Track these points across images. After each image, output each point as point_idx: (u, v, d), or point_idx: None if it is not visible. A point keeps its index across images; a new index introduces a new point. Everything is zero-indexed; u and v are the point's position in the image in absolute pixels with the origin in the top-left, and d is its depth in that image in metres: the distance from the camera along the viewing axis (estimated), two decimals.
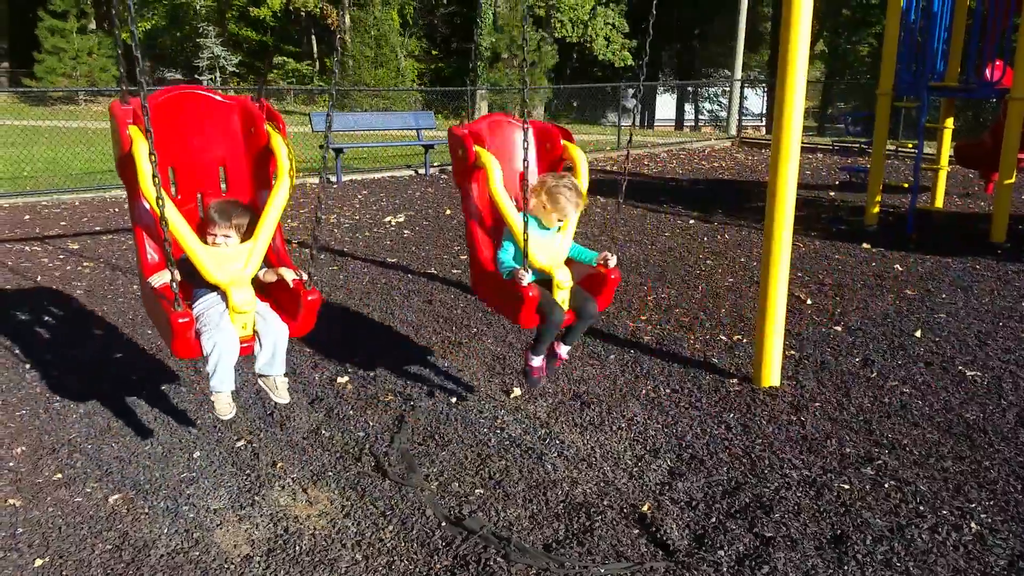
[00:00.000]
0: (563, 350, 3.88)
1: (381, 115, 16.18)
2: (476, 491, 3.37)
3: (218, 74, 34.65)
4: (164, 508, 3.27)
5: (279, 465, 3.61)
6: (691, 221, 9.51)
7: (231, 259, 3.09)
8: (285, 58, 36.71)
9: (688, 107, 44.60)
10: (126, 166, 3.04)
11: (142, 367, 4.82)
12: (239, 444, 3.80)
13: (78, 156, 14.70)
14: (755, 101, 38.96)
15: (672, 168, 15.23)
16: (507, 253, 3.64)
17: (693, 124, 42.32)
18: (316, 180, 12.92)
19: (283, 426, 4.00)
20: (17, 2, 33.82)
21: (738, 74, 25.92)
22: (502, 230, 3.68)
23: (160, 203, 2.79)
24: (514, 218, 3.47)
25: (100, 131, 18.11)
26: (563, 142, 3.85)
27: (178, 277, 2.90)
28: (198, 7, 35.85)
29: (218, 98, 3.46)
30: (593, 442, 3.81)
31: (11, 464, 3.64)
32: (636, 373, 4.66)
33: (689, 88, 42.21)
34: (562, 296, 3.54)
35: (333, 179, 12.97)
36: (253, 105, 3.43)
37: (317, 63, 38.69)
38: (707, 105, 45.29)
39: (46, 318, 5.78)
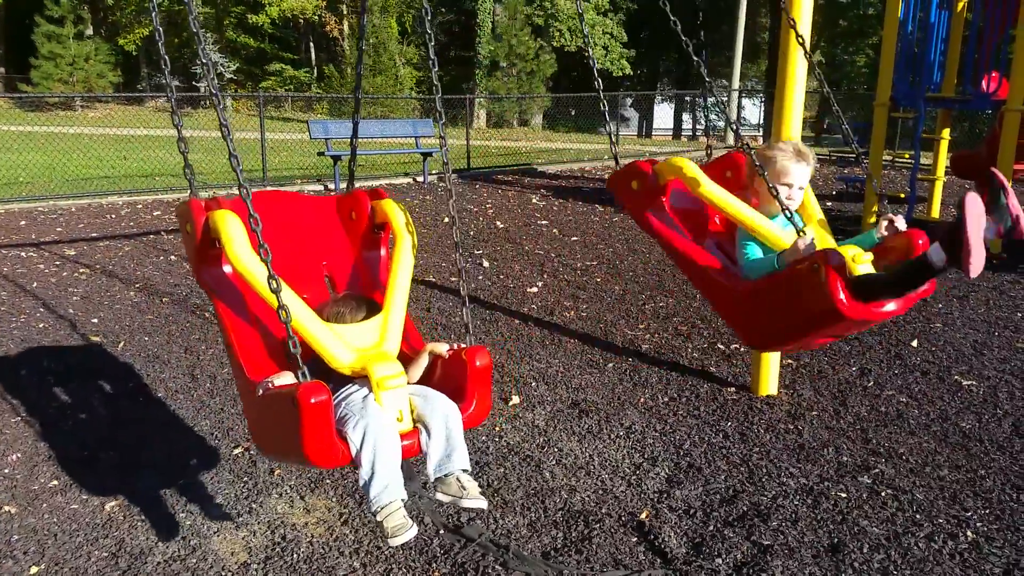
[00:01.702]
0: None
1: (379, 122, 16.20)
2: None
3: (216, 81, 34.71)
4: (161, 515, 3.26)
5: (277, 473, 3.60)
6: None
7: (360, 336, 2.39)
8: (283, 65, 36.76)
9: (686, 116, 44.75)
10: (208, 262, 2.48)
11: (138, 374, 4.81)
12: (236, 452, 3.80)
13: (74, 162, 14.70)
14: (752, 111, 39.13)
15: None
16: (754, 250, 2.79)
17: (691, 133, 42.47)
18: (315, 187, 12.94)
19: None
20: (14, 7, 33.83)
21: (736, 84, 26.02)
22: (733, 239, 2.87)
23: (279, 302, 2.12)
24: (753, 216, 2.71)
25: (96, 137, 18.14)
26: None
27: (307, 375, 2.17)
28: (196, 13, 35.92)
29: (309, 194, 2.95)
30: (591, 450, 3.81)
31: (7, 471, 3.63)
32: (634, 381, 4.67)
33: (687, 98, 42.38)
34: (865, 270, 2.51)
35: (332, 187, 12.99)
36: (352, 192, 2.93)
37: (315, 70, 38.76)
38: (708, 115, 45.44)
39: (42, 324, 5.77)
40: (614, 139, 3.30)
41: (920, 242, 2.56)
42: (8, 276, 7.08)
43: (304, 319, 2.26)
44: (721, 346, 5.25)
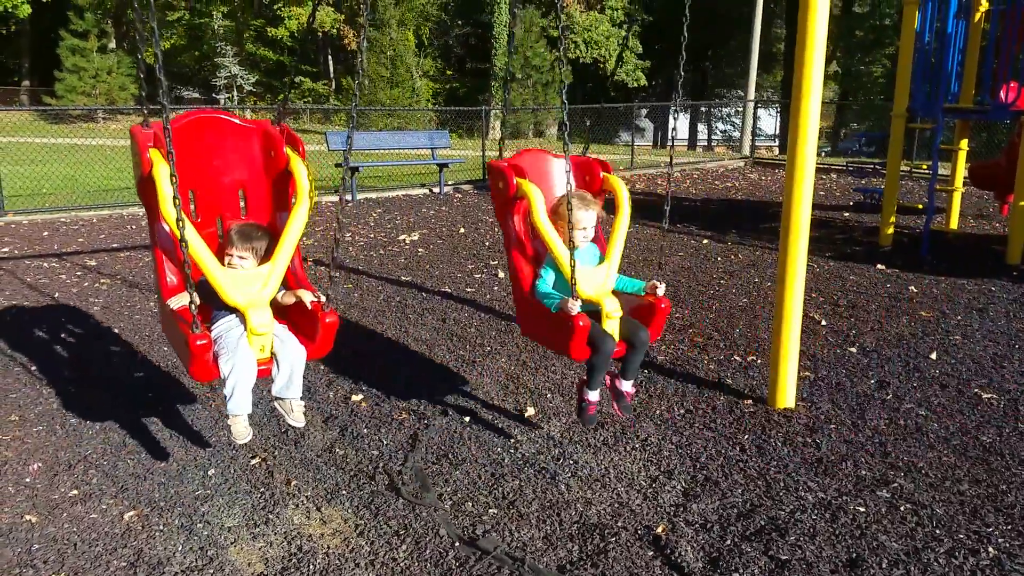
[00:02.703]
0: (626, 385, 3.76)
1: (396, 134, 16.30)
2: (490, 511, 3.37)
3: (235, 93, 35.06)
4: (179, 525, 3.28)
5: (293, 483, 3.62)
6: (705, 241, 9.51)
7: (250, 281, 3.10)
8: (302, 78, 37.10)
9: (701, 127, 44.69)
10: (146, 188, 3.07)
11: (158, 385, 4.86)
12: (254, 462, 3.82)
13: (96, 173, 14.88)
14: (768, 122, 38.99)
15: (686, 188, 15.25)
16: (545, 283, 3.57)
17: (707, 144, 42.40)
18: (333, 199, 13.02)
19: (297, 444, 4.02)
20: (39, 22, 34.41)
21: (752, 94, 25.96)
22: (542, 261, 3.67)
23: (180, 225, 2.80)
24: (559, 247, 3.42)
25: (118, 149, 18.34)
26: (603, 174, 3.79)
27: (197, 300, 2.89)
28: (216, 27, 36.36)
29: (238, 122, 3.48)
30: (607, 462, 3.80)
31: (27, 480, 3.67)
32: (650, 393, 4.66)
33: (703, 108, 42.33)
34: (612, 326, 3.47)
35: (348, 198, 13.07)
36: (273, 128, 3.45)
37: (333, 83, 39.08)
38: (720, 125, 45.37)
39: (63, 335, 5.84)
40: (501, 137, 4.05)
41: (663, 306, 3.57)
42: (31, 286, 7.17)
43: (207, 261, 2.99)
44: (737, 358, 5.23)
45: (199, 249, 2.97)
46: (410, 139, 15.62)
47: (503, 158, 3.83)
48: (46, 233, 10.01)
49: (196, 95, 36.72)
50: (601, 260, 3.62)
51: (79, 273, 7.79)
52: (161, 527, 3.27)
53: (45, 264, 8.16)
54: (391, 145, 15.24)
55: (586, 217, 3.57)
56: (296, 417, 3.29)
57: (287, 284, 3.35)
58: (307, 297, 3.24)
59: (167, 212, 2.91)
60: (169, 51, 36.87)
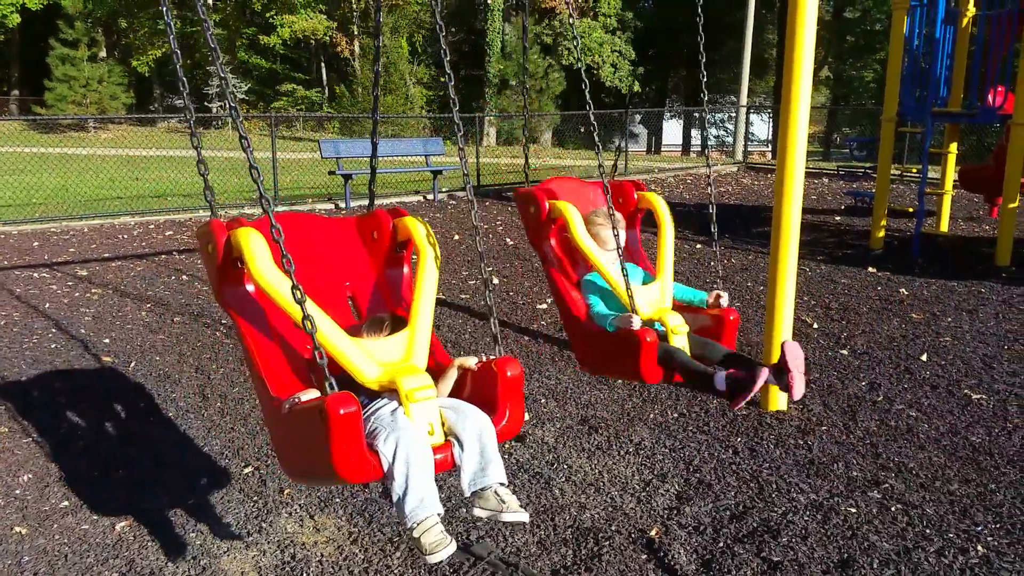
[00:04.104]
0: (718, 379, 3.00)
1: (390, 141, 16.31)
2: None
3: (227, 101, 35.06)
4: (171, 535, 3.28)
5: (286, 492, 3.62)
6: (698, 246, 9.54)
7: (386, 351, 2.38)
8: (294, 85, 37.11)
9: (694, 132, 44.83)
10: (230, 281, 2.47)
11: (149, 394, 4.85)
12: (247, 471, 3.82)
13: (87, 183, 14.86)
14: (760, 127, 39.13)
15: (679, 193, 15.29)
16: (599, 304, 3.28)
17: (700, 149, 42.50)
18: (326, 206, 13.03)
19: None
20: (29, 31, 34.36)
21: (744, 100, 26.06)
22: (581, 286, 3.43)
23: (306, 317, 2.09)
24: (605, 263, 3.20)
25: (109, 158, 18.33)
26: (637, 194, 3.59)
27: (334, 383, 2.13)
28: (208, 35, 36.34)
29: (329, 219, 2.95)
30: (601, 467, 3.81)
31: (18, 492, 3.66)
32: (643, 397, 4.67)
33: (695, 114, 42.48)
34: (680, 342, 3.13)
35: (342, 204, 13.07)
36: (373, 212, 2.93)
37: (326, 90, 39.10)
38: (713, 131, 45.53)
39: (54, 345, 5.83)
40: (527, 156, 3.77)
41: (731, 318, 3.24)
42: (21, 297, 7.15)
43: (330, 333, 2.24)
44: None
45: (323, 323, 2.22)
46: (404, 146, 15.65)
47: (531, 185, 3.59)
48: (36, 243, 9.98)
49: (195, 104, 36.69)
50: (647, 280, 3.39)
51: (70, 283, 7.77)
52: (153, 537, 3.26)
53: (35, 274, 8.14)
54: (385, 152, 15.24)
55: (601, 233, 3.35)
56: (513, 508, 2.21)
57: (430, 369, 2.42)
58: (470, 362, 2.46)
59: (265, 280, 2.27)
60: (161, 60, 36.87)
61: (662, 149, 38.76)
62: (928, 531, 3.16)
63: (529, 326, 6.15)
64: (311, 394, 2.25)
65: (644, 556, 3.06)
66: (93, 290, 7.48)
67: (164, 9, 2.32)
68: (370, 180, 3.05)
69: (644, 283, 3.34)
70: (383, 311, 2.73)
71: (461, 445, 2.22)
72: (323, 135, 28.65)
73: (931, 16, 8.76)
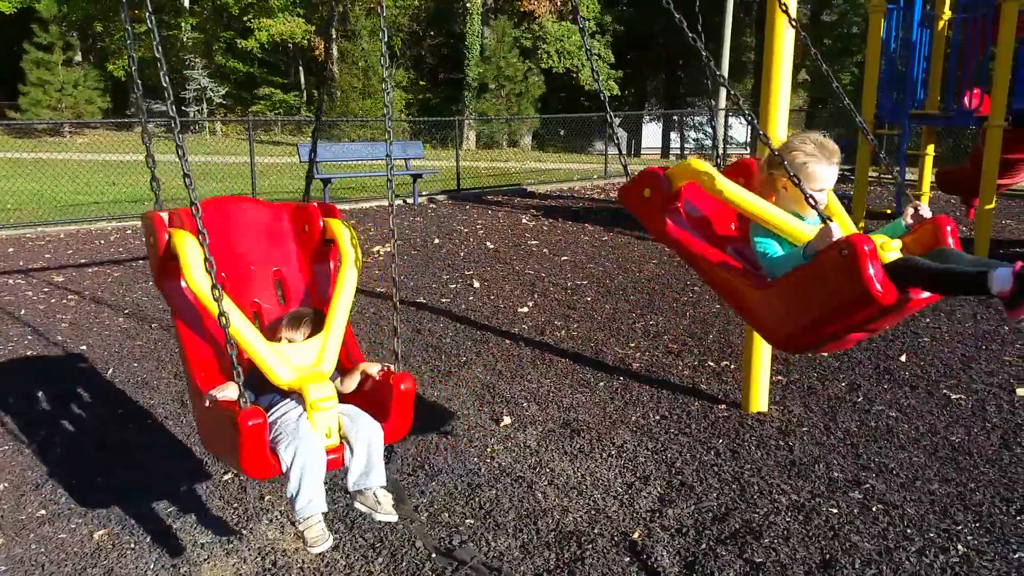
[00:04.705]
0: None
1: (369, 145, 16.24)
2: (466, 521, 3.36)
3: (205, 105, 34.79)
4: (150, 543, 3.23)
5: (267, 498, 3.58)
6: None
7: (300, 355, 2.65)
8: (272, 89, 36.91)
9: (674, 135, 45.05)
10: (166, 272, 2.68)
11: (128, 401, 4.79)
12: (226, 477, 3.77)
13: (63, 188, 14.68)
14: (740, 130, 39.40)
15: None
16: (774, 247, 2.68)
17: (679, 152, 42.71)
18: None
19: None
20: (2, 35, 33.92)
21: (723, 103, 26.23)
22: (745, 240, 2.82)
23: (221, 314, 2.34)
24: (780, 216, 2.61)
25: (85, 163, 18.13)
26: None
27: (246, 396, 2.38)
28: (185, 39, 36.08)
29: (264, 203, 3.13)
30: (583, 470, 3.81)
31: None
32: (626, 400, 4.67)
33: (674, 117, 42.69)
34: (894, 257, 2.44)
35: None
36: (304, 204, 3.08)
37: (304, 94, 38.92)
38: (692, 133, 45.77)
39: (30, 352, 5.74)
40: (622, 152, 3.28)
41: (948, 228, 2.50)
42: None
43: (250, 339, 2.49)
44: (711, 363, 5.26)
45: (241, 327, 2.48)
46: (383, 150, 15.55)
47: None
48: (11, 249, 9.84)
49: (164, 108, 36.39)
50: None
51: (46, 290, 7.66)
52: (132, 545, 3.22)
53: (10, 281, 8.02)
54: (364, 156, 15.18)
55: (829, 174, 2.72)
56: (385, 510, 2.62)
57: (343, 368, 2.82)
58: (373, 369, 2.76)
59: (200, 291, 2.46)
60: (137, 63, 36.51)
61: (642, 152, 38.91)
62: (909, 531, 3.18)
63: (510, 329, 6.14)
64: (228, 390, 2.51)
65: (627, 559, 3.06)
66: (69, 296, 7.38)
67: (123, 15, 2.67)
68: (308, 172, 3.19)
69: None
70: (306, 304, 3.02)
71: (352, 450, 2.56)
72: (301, 139, 28.48)
73: (907, 19, 8.87)
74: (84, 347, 5.82)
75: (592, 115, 25.93)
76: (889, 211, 10.41)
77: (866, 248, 2.23)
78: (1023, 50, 7.97)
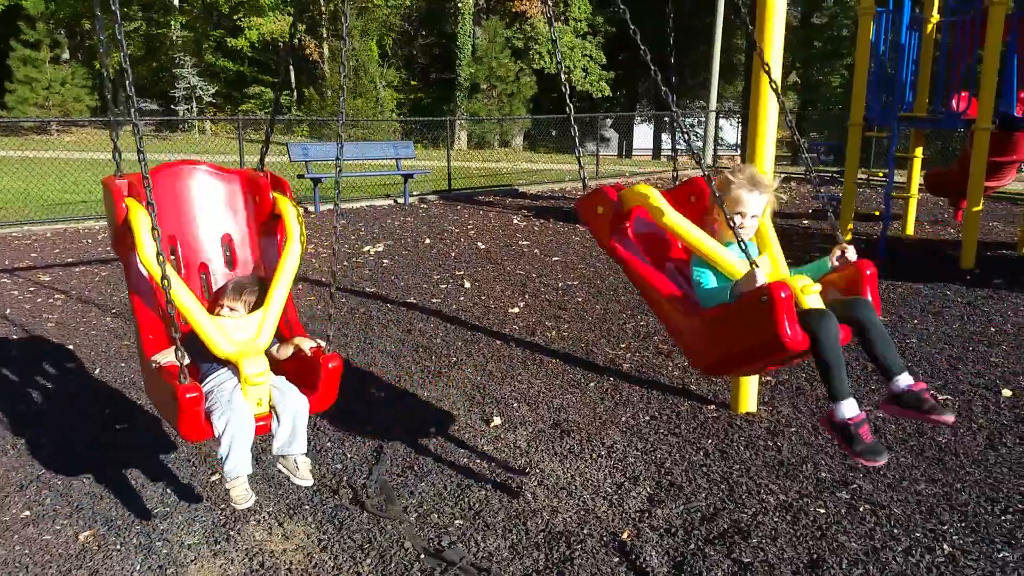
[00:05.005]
0: (907, 381, 2.60)
1: (360, 144, 16.20)
2: (456, 522, 3.35)
3: (194, 104, 34.65)
4: (136, 544, 3.21)
5: (254, 499, 3.56)
6: None
7: (240, 329, 2.86)
8: (262, 88, 36.78)
9: (664, 137, 45.15)
10: (123, 240, 2.85)
11: (115, 402, 4.76)
12: (214, 478, 3.76)
13: (50, 187, 14.58)
14: (730, 132, 39.56)
15: None
16: (709, 279, 2.83)
17: (670, 153, 42.79)
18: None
19: (258, 459, 3.96)
20: None
21: (713, 105, 26.31)
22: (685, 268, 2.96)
23: (162, 272, 2.58)
24: (710, 244, 2.75)
25: (72, 161, 18.00)
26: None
27: (185, 357, 2.61)
28: (175, 37, 35.92)
29: (218, 169, 3.28)
30: (573, 470, 3.81)
31: None
32: (616, 401, 4.68)
33: (665, 118, 42.75)
34: (814, 302, 2.60)
35: (312, 209, 12.97)
36: (256, 173, 3.26)
37: (295, 93, 38.81)
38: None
39: (15, 352, 5.70)
40: (582, 163, 3.31)
41: (868, 272, 2.68)
42: None
43: (193, 311, 2.73)
44: None
45: (184, 298, 2.71)
46: (374, 149, 15.54)
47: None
48: None
49: (154, 107, 36.20)
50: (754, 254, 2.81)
51: (32, 289, 7.61)
52: (118, 547, 3.20)
53: None
54: (355, 156, 15.15)
55: (753, 202, 2.86)
56: (303, 475, 2.95)
57: (281, 336, 3.05)
58: (306, 344, 2.97)
59: (149, 264, 2.68)
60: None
61: (633, 153, 38.98)
62: (896, 531, 3.19)
63: (501, 330, 6.14)
64: (169, 355, 2.76)
65: (616, 559, 3.06)
66: (56, 296, 7.33)
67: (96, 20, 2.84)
68: (265, 134, 3.31)
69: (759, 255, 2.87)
70: (252, 270, 3.27)
71: (279, 420, 2.84)
72: (292, 138, 28.42)
73: (896, 22, 8.91)
74: (71, 347, 5.78)
75: (584, 116, 25.95)
76: (877, 212, 10.46)
77: (783, 295, 2.40)
78: (1010, 53, 8.02)
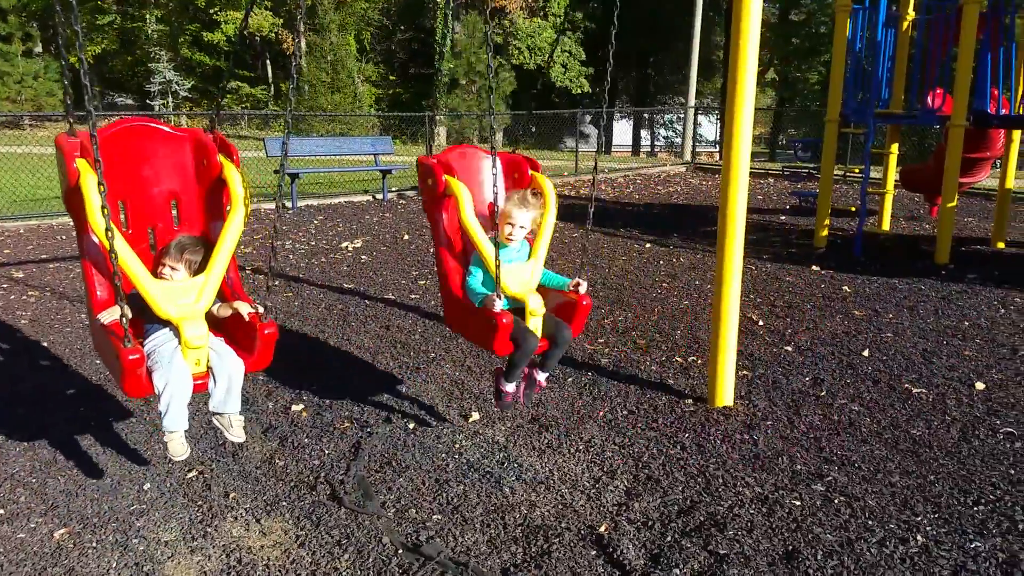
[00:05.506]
0: (541, 376, 3.90)
1: (338, 140, 16.11)
2: (434, 517, 3.35)
3: (170, 99, 34.29)
4: (113, 542, 3.19)
5: (232, 496, 3.54)
6: (647, 245, 9.64)
7: (183, 293, 3.01)
8: (239, 83, 36.46)
9: (644, 133, 45.30)
10: (74, 199, 2.94)
11: (89, 398, 4.71)
12: (191, 475, 3.73)
13: (23, 182, 14.38)
14: (709, 128, 39.74)
15: (629, 193, 15.44)
16: (475, 279, 3.67)
17: (649, 150, 42.97)
18: (271, 206, 12.82)
19: (236, 456, 3.94)
20: None
21: (692, 101, 26.44)
22: (470, 258, 3.75)
23: (109, 236, 2.71)
24: (485, 245, 3.51)
25: (46, 156, 17.73)
26: (531, 172, 3.90)
27: (128, 313, 2.79)
28: (150, 31, 35.51)
29: (169, 130, 3.38)
30: (551, 465, 3.82)
31: None
32: (594, 395, 4.69)
33: (645, 115, 42.91)
34: (535, 323, 3.59)
35: (289, 204, 12.87)
36: (205, 136, 3.37)
37: (272, 88, 38.50)
38: (662, 131, 46.05)
39: None
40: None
41: (584, 303, 3.66)
42: None
43: (139, 274, 2.89)
44: (679, 359, 5.30)
45: (129, 260, 2.85)
46: (352, 145, 15.47)
47: (432, 154, 3.89)
48: None
49: (130, 101, 35.79)
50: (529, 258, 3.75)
51: (5, 285, 7.51)
52: (94, 544, 3.17)
53: None
54: (332, 151, 15.07)
55: (521, 216, 3.64)
56: (236, 432, 3.22)
57: (223, 296, 3.26)
58: (244, 309, 3.15)
59: (95, 222, 2.79)
60: (101, 56, 35.84)
61: (612, 149, 39.09)
62: (870, 522, 3.23)
63: None
64: (113, 313, 2.97)
65: (593, 552, 3.08)
66: (30, 292, 7.24)
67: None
68: (218, 93, 3.56)
69: (528, 258, 3.73)
70: (197, 230, 3.40)
71: (215, 380, 3.10)
72: (269, 133, 28.20)
73: (873, 20, 9.00)
74: (45, 343, 5.71)
75: (564, 112, 25.96)
76: (854, 208, 10.56)
77: (504, 322, 3.38)
78: (984, 51, 8.12)
